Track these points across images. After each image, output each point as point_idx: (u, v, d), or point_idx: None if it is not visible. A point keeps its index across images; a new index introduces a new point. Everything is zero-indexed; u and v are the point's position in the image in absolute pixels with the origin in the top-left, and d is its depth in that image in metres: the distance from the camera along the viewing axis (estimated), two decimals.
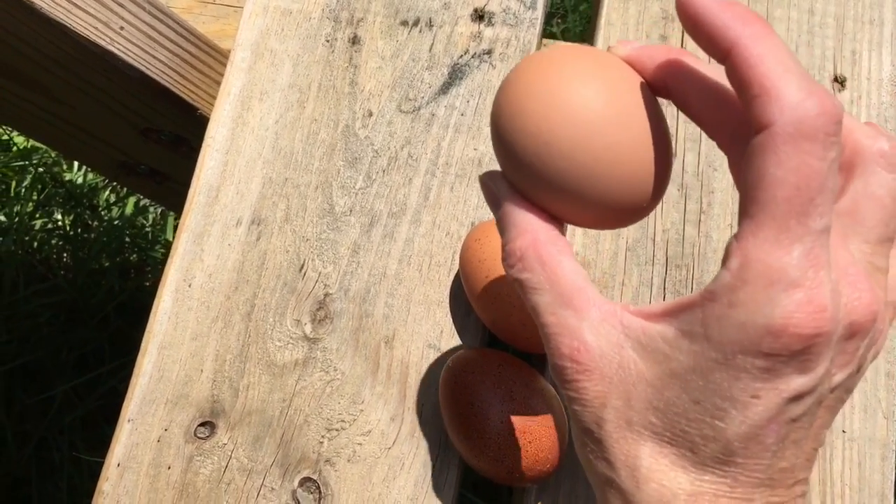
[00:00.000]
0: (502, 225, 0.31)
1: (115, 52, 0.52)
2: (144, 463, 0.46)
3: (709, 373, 0.25)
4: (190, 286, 0.49)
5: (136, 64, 0.53)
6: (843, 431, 0.46)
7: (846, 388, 0.27)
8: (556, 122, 0.28)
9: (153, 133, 0.62)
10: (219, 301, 0.49)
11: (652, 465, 0.27)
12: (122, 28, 0.51)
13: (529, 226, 0.30)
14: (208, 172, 0.52)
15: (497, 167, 0.32)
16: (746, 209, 0.25)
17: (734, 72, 0.25)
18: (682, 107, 0.30)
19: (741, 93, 0.25)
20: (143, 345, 0.48)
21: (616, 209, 0.29)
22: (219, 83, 0.60)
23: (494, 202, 0.32)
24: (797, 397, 0.25)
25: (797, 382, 0.25)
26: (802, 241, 0.24)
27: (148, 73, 0.54)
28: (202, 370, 0.48)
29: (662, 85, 0.30)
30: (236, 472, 0.46)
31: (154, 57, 0.54)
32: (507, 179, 0.31)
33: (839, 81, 0.53)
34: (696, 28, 0.26)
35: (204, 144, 0.52)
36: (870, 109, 0.52)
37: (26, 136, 0.85)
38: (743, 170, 0.25)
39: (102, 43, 0.51)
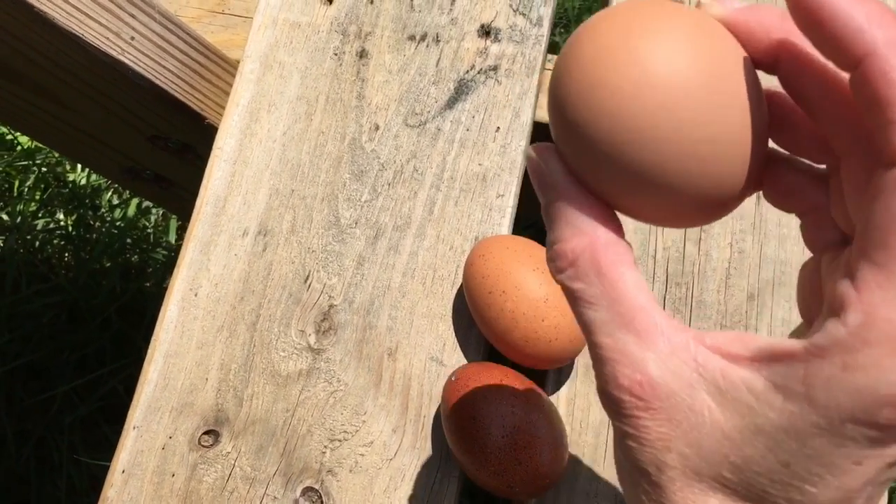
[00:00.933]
0: (552, 217, 0.26)
1: (126, 62, 0.52)
2: (149, 470, 0.47)
3: (807, 437, 0.22)
4: (196, 295, 0.50)
5: (146, 74, 0.53)
6: None
7: None
8: (648, 106, 0.23)
9: (160, 140, 0.63)
10: (224, 311, 0.50)
11: None
12: (132, 38, 0.52)
13: (588, 225, 0.25)
14: (216, 182, 0.52)
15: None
16: (870, 254, 0.21)
17: (865, 86, 0.21)
18: (794, 94, 0.26)
19: (872, 111, 0.21)
20: (149, 353, 0.49)
21: (703, 204, 0.25)
22: (227, 92, 0.60)
23: (545, 186, 0.26)
24: None
25: None
26: None
27: (157, 82, 0.54)
28: (207, 379, 0.48)
29: (771, 61, 0.25)
30: (239, 481, 0.46)
31: (164, 67, 0.55)
32: (561, 158, 0.26)
33: None
34: (818, 27, 0.22)
35: (212, 155, 0.53)
36: None
37: (33, 139, 0.86)
38: (866, 204, 0.22)
39: (114, 53, 0.51)
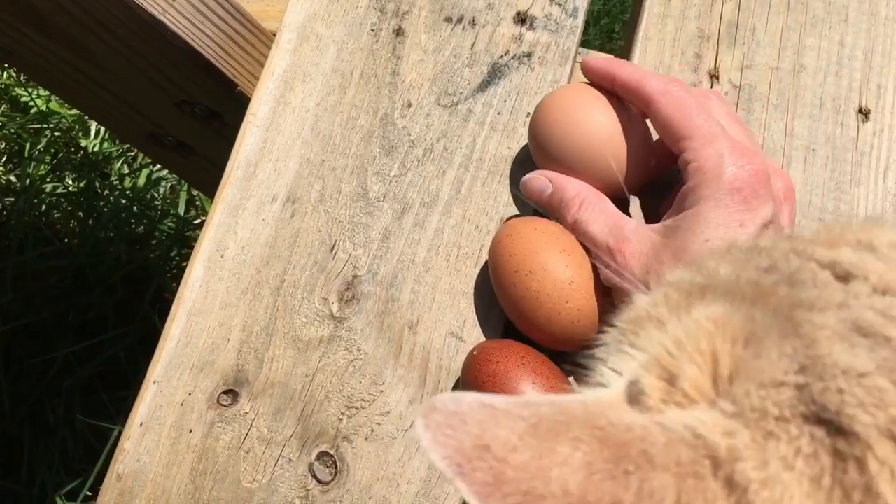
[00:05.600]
0: (560, 190, 0.46)
1: (166, 22, 0.53)
2: (167, 425, 0.47)
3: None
4: (222, 257, 0.51)
5: (184, 36, 0.54)
6: None
7: None
8: (579, 133, 0.47)
9: (188, 106, 0.63)
10: (250, 274, 0.50)
11: None
12: (174, 0, 0.53)
13: (580, 185, 0.46)
14: (247, 148, 0.53)
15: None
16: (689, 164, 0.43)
17: (655, 120, 0.45)
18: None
19: (664, 135, 0.45)
20: (172, 310, 0.49)
21: (610, 188, 0.47)
22: (259, 62, 0.61)
23: (544, 185, 0.47)
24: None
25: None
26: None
27: (194, 45, 0.55)
28: (229, 339, 0.49)
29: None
30: (256, 441, 0.47)
31: (201, 31, 0.55)
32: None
33: (864, 113, 0.55)
34: (621, 89, 0.47)
35: (245, 120, 0.54)
36: (892, 142, 0.54)
37: (62, 98, 0.86)
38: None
39: (155, 12, 0.52)
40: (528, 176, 0.48)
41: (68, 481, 0.94)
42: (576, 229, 0.45)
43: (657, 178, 0.50)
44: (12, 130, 1.09)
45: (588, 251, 0.46)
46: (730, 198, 0.41)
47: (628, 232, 0.43)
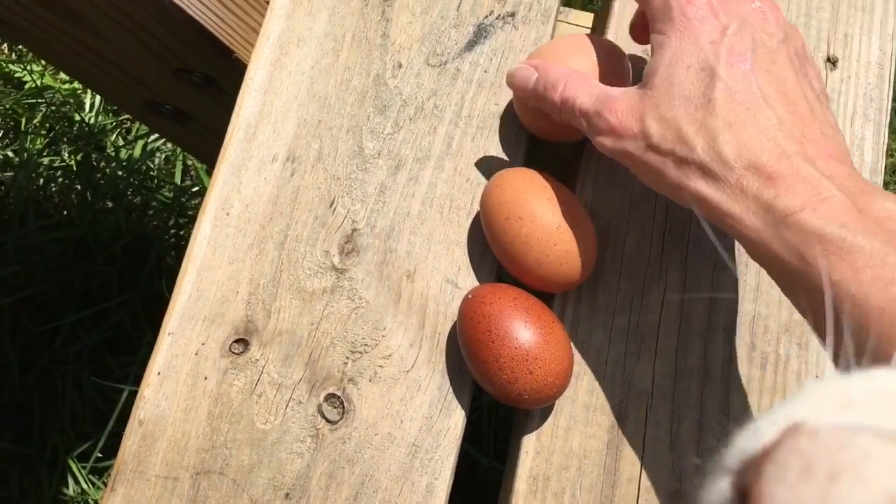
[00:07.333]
0: (544, 73, 0.47)
1: None
2: (183, 373, 0.50)
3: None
4: (228, 215, 0.53)
5: (180, 3, 0.56)
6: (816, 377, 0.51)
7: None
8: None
9: (185, 73, 0.65)
10: (254, 230, 0.53)
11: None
12: None
13: (565, 68, 0.47)
14: (247, 111, 0.55)
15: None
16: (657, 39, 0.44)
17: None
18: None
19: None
20: (182, 266, 0.52)
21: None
22: (253, 29, 0.63)
23: (529, 73, 0.48)
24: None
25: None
26: None
27: (191, 13, 0.57)
28: (238, 292, 0.52)
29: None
30: (267, 386, 0.50)
31: None
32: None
33: (832, 61, 0.58)
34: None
35: (243, 84, 0.56)
36: (858, 89, 0.57)
37: (60, 70, 0.87)
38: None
39: None
40: (513, 68, 0.49)
41: (79, 444, 0.97)
42: (563, 108, 0.46)
43: None
44: (7, 106, 1.10)
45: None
46: (689, 22, 0.42)
47: (614, 93, 0.44)
